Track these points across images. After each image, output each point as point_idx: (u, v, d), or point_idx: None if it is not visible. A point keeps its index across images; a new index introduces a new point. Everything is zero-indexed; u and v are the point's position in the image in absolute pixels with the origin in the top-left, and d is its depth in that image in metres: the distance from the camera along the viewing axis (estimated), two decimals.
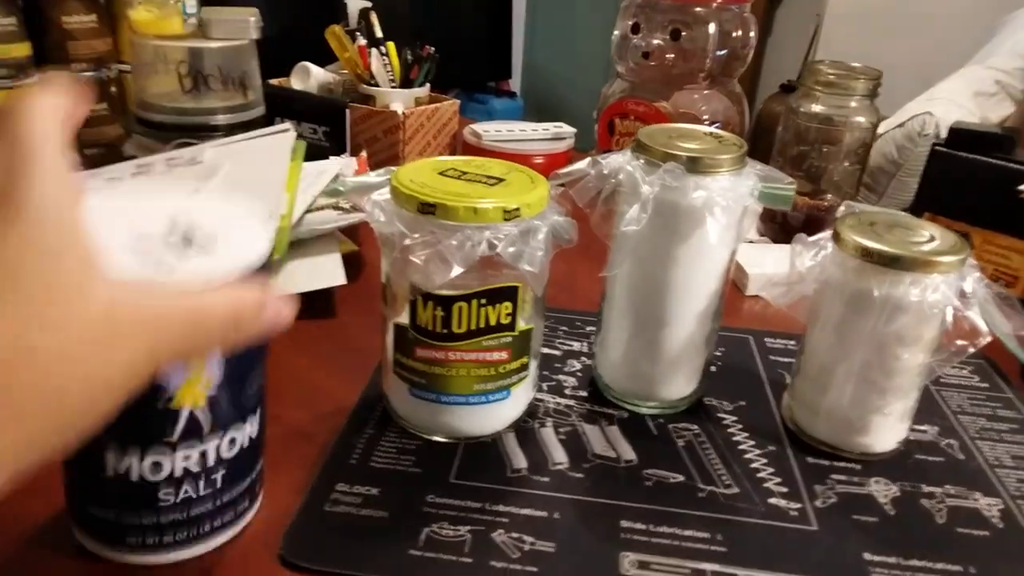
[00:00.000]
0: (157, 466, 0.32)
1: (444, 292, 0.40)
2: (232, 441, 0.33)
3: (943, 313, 0.40)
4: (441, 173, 0.41)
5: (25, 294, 0.21)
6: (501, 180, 0.41)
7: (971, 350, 0.40)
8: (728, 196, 0.42)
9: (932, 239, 0.42)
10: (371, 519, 0.38)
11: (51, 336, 0.21)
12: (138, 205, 0.32)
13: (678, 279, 0.45)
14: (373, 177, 0.43)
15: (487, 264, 0.39)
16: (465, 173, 0.41)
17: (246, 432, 0.34)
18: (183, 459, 0.32)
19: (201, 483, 0.33)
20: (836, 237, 0.43)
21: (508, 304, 0.41)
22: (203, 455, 0.33)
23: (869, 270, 0.41)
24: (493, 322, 0.41)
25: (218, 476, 0.33)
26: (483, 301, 0.40)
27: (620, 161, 0.44)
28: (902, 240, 0.41)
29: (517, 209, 0.38)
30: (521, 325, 0.42)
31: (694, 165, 0.42)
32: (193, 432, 0.32)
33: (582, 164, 0.45)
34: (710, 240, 0.42)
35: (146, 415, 0.30)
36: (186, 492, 0.33)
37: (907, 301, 0.40)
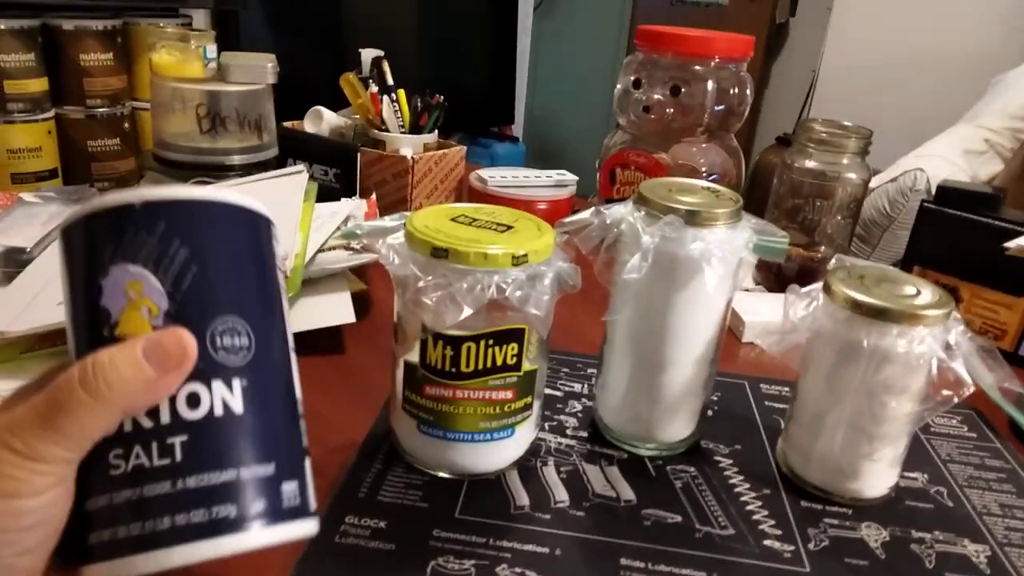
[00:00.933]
0: None
1: (454, 332, 0.41)
2: (194, 399, 0.26)
3: (929, 364, 0.42)
4: (453, 219, 0.43)
5: None
6: (510, 227, 0.43)
7: (956, 400, 0.42)
8: (724, 247, 0.44)
9: (919, 293, 0.44)
10: (379, 551, 0.39)
11: None
12: None
13: (676, 325, 0.47)
14: (388, 221, 0.45)
15: (495, 307, 0.41)
16: (476, 220, 0.44)
17: (219, 396, 0.26)
18: None
19: (154, 447, 0.26)
20: (827, 289, 0.45)
21: (514, 345, 0.43)
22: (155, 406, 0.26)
23: (858, 321, 0.43)
24: (500, 362, 0.43)
25: (176, 442, 0.26)
26: (491, 342, 0.42)
27: (622, 212, 0.46)
28: (890, 293, 0.44)
29: (525, 255, 0.40)
30: (526, 366, 0.44)
31: (692, 218, 0.44)
32: None
33: (586, 214, 0.47)
34: (707, 289, 0.44)
35: (93, 346, 0.26)
36: (137, 457, 0.26)
37: (894, 352, 0.42)
